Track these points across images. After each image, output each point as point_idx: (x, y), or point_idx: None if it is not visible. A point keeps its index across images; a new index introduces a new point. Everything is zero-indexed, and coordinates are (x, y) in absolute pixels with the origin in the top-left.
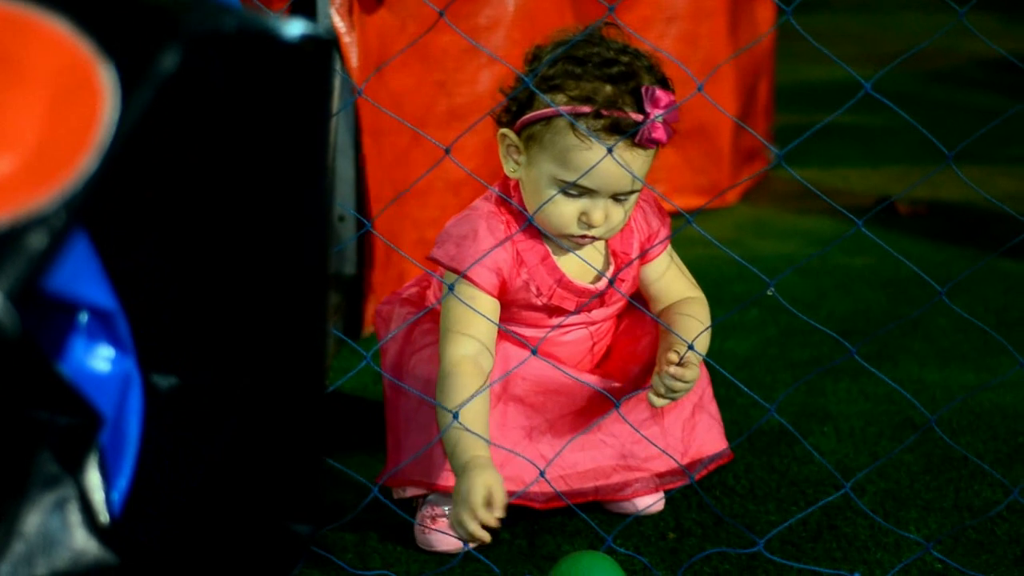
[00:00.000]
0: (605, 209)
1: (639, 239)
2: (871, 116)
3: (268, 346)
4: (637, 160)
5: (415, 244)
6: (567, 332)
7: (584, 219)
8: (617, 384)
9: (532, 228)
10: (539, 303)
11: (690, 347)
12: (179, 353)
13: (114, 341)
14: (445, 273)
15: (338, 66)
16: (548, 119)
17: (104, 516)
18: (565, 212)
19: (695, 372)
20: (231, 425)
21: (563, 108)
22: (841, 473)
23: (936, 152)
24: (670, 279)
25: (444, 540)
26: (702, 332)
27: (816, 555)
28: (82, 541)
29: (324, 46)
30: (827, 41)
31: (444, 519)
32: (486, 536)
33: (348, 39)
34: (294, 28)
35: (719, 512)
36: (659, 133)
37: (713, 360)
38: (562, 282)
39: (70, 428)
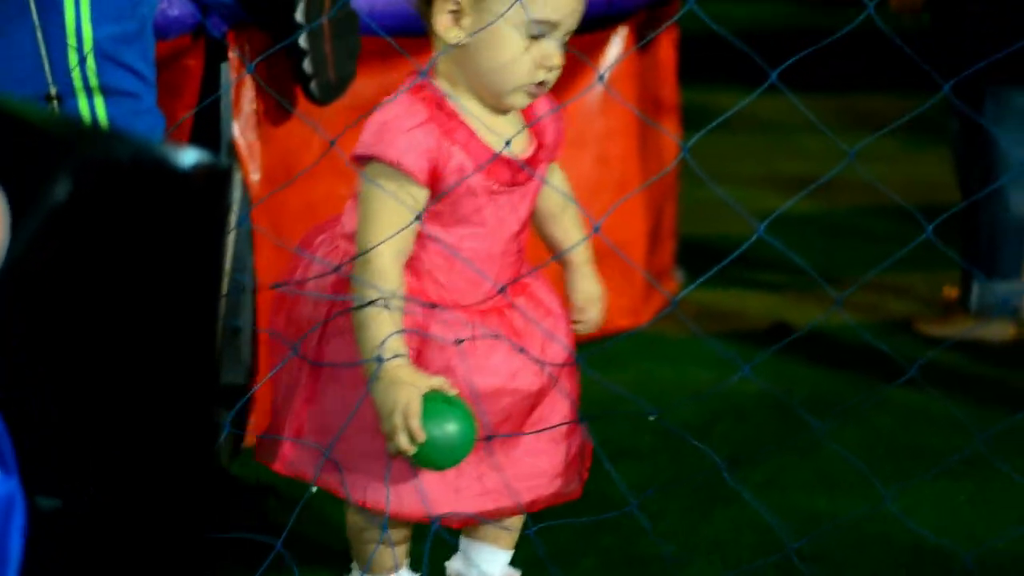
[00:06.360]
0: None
1: (552, 130)
2: (772, 237)
3: (154, 467)
4: None
5: None
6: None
7: (546, 63)
8: (542, 381)
9: (450, 112)
10: (476, 184)
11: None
12: (63, 473)
13: None
14: (366, 168)
15: (240, 180)
16: None
17: None
18: (525, 59)
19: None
20: (116, 547)
21: None
22: None
23: (830, 279)
24: (566, 194)
25: None
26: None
27: None
28: None
29: (220, 175)
30: (730, 160)
31: None
32: (411, 449)
33: (248, 153)
34: (188, 157)
35: None
36: None
37: (601, 482)
38: (495, 156)
39: None
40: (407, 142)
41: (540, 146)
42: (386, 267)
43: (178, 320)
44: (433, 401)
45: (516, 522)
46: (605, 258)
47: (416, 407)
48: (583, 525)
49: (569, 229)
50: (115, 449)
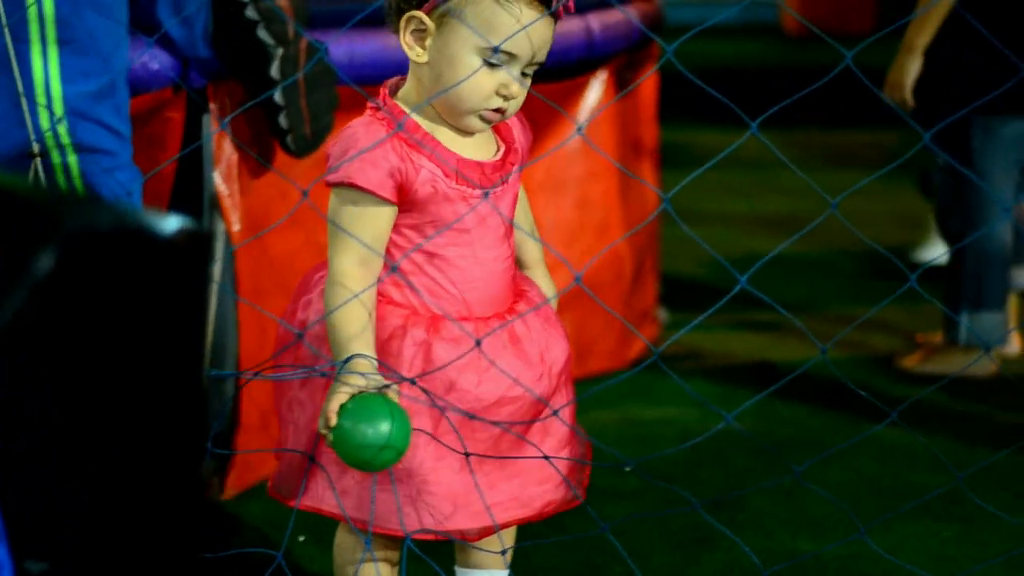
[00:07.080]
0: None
1: (520, 137)
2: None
3: (143, 524)
4: (548, 28)
5: None
6: (483, 242)
7: (503, 91)
8: (541, 390)
9: (412, 126)
10: (450, 189)
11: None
12: (51, 536)
13: None
14: (334, 191)
15: (222, 230)
16: None
17: None
18: (485, 84)
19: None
20: None
21: None
22: None
23: (814, 314)
24: (525, 203)
25: None
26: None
27: None
28: None
29: (200, 239)
30: (712, 198)
31: None
32: (327, 435)
33: (229, 203)
34: (169, 224)
35: None
36: (572, 2)
37: (586, 524)
38: (462, 162)
39: None
40: (368, 163)
41: (509, 151)
42: (355, 283)
43: (163, 381)
44: (375, 401)
45: (509, 538)
46: (586, 300)
47: (340, 395)
48: (572, 570)
49: (525, 233)
50: (105, 509)
